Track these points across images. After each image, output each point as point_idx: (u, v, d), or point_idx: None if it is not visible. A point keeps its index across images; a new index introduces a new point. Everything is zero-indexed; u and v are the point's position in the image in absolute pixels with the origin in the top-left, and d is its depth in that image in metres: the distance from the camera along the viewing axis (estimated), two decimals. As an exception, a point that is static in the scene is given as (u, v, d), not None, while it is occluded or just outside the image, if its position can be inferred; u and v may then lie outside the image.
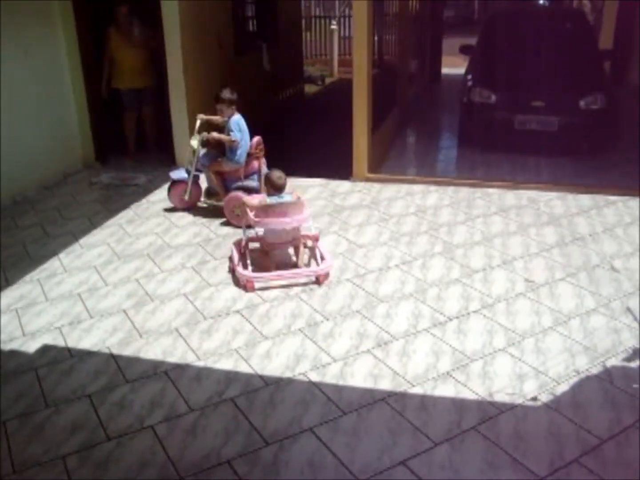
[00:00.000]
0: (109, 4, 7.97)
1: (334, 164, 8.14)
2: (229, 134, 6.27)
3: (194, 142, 6.37)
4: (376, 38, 8.44)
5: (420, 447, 3.34)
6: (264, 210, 5.16)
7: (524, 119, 8.53)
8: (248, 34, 10.39)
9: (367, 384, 3.88)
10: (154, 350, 4.27)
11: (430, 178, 7.81)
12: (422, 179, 7.77)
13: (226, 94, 6.27)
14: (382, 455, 3.29)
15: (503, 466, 3.20)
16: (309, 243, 5.58)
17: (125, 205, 6.95)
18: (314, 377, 3.95)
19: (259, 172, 6.34)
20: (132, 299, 4.95)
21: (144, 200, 7.14)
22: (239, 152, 6.25)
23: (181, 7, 7.60)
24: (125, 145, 8.62)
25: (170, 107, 7.99)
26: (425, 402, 3.70)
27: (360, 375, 3.95)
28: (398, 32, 10.47)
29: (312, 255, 5.51)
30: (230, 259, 5.50)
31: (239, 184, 6.31)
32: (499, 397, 3.72)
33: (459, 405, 3.66)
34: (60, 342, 4.41)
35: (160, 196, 7.23)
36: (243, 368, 4.06)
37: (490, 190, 7.36)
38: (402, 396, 3.75)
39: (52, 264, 5.64)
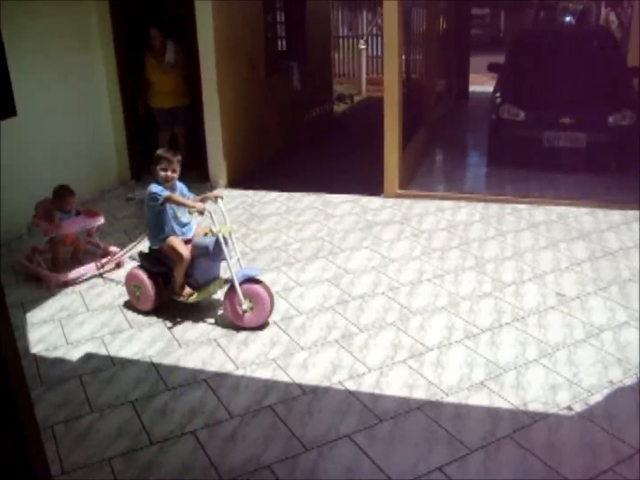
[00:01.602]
0: (145, 27, 8.21)
1: (365, 181, 8.26)
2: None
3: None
4: (404, 57, 8.58)
5: (456, 454, 3.42)
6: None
7: (553, 136, 8.59)
8: (279, 54, 10.58)
9: (403, 393, 3.96)
10: (193, 360, 4.40)
11: (460, 194, 7.89)
12: (452, 195, 7.86)
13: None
14: (418, 462, 3.37)
15: (538, 474, 3.27)
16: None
17: (160, 221, 7.11)
18: (351, 386, 4.05)
19: None
20: (167, 310, 5.09)
21: (179, 216, 7.29)
22: None
23: (215, 28, 7.80)
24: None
25: (205, 125, 8.19)
26: (460, 411, 3.77)
27: (395, 385, 4.04)
28: (426, 51, 10.61)
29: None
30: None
31: None
32: (533, 407, 3.78)
33: (493, 414, 3.73)
34: (102, 351, 4.56)
35: (194, 212, 7.40)
36: (281, 377, 4.16)
37: (520, 206, 7.42)
38: (437, 405, 3.83)
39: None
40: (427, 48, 10.67)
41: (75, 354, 4.53)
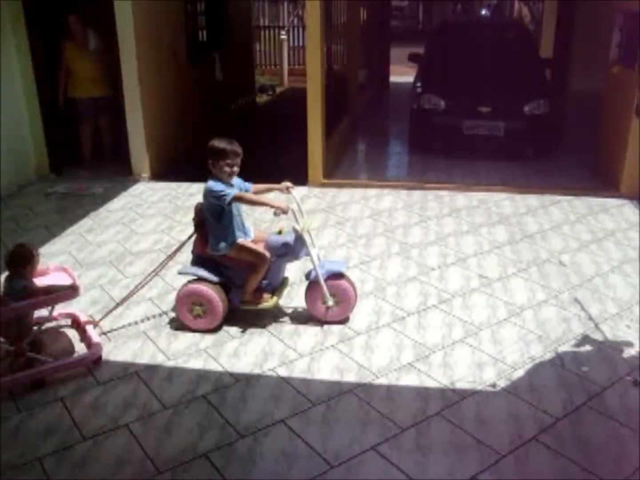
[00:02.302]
0: (61, 14, 7.98)
1: (289, 171, 8.21)
2: None
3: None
4: (327, 48, 8.64)
5: (388, 433, 3.51)
6: None
7: (472, 125, 8.84)
8: (200, 45, 10.49)
9: (334, 377, 4.03)
10: (123, 353, 4.34)
11: (383, 182, 8.05)
12: (376, 183, 7.99)
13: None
14: (353, 442, 3.44)
15: (467, 447, 3.39)
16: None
17: (83, 215, 6.96)
18: (283, 372, 4.09)
19: None
20: (98, 305, 5.00)
21: (102, 210, 7.15)
22: None
23: (135, 18, 7.66)
24: (80, 155, 8.62)
25: (126, 117, 8.04)
26: (391, 392, 3.87)
27: (326, 369, 4.11)
28: (348, 42, 10.72)
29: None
30: None
31: None
32: (460, 385, 3.92)
33: (423, 394, 3.85)
34: (28, 349, 4.44)
35: (118, 205, 7.28)
36: (213, 366, 4.16)
37: (442, 192, 7.61)
38: (369, 387, 3.92)
39: (14, 273, 5.64)
40: (348, 39, 10.78)
41: (-1, 353, 4.40)
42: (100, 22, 8.08)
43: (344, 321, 4.68)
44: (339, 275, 4.63)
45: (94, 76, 8.24)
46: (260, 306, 4.59)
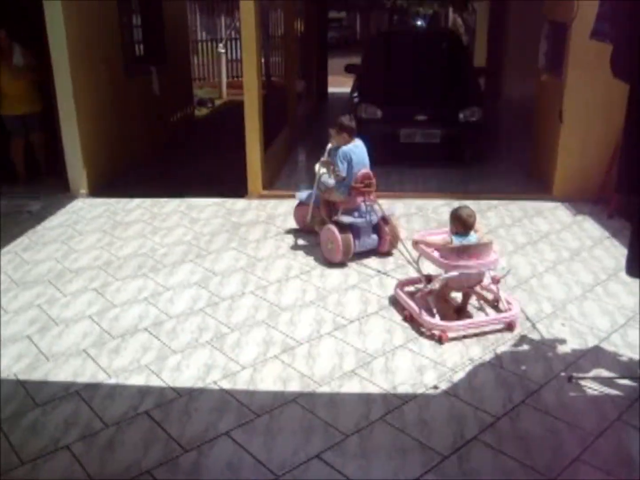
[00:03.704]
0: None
1: (228, 183, 8.29)
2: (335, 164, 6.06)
3: (317, 166, 6.37)
4: (264, 60, 8.69)
5: (332, 440, 3.53)
6: (452, 252, 4.63)
7: (409, 132, 8.99)
8: (137, 59, 10.39)
9: (277, 387, 4.04)
10: (63, 373, 4.26)
11: (324, 192, 8.09)
12: (316, 194, 8.03)
13: (341, 120, 6.15)
14: (297, 451, 3.46)
15: (411, 450, 3.45)
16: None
17: (19, 233, 6.79)
18: (225, 384, 4.07)
19: (358, 209, 6.05)
20: (36, 325, 4.89)
21: (39, 227, 7.01)
22: (344, 183, 5.99)
23: (68, 31, 7.54)
24: (15, 172, 8.44)
25: (62, 132, 7.90)
26: (334, 399, 3.90)
27: (269, 380, 4.11)
28: (285, 54, 10.78)
29: (489, 301, 5.02)
30: (402, 304, 4.97)
31: (335, 217, 5.97)
32: (402, 389, 3.98)
33: (365, 400, 3.89)
34: (-39, 373, 4.32)
35: (55, 222, 7.15)
36: (155, 382, 4.12)
37: (381, 200, 7.65)
38: (311, 396, 3.94)
39: (-54, 295, 5.48)
40: (286, 50, 10.85)
41: None
42: (30, 36, 7.93)
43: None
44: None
45: (18, 93, 8.04)
46: None
